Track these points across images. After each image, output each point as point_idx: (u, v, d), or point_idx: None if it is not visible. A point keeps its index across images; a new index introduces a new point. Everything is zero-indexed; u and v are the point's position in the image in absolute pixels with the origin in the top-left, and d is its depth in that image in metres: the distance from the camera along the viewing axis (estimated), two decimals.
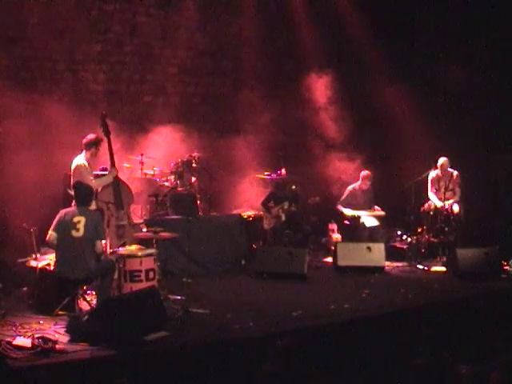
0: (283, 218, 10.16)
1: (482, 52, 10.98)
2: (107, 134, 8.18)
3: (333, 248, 9.91)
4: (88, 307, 6.98)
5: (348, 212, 10.46)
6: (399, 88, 11.41)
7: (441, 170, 10.21)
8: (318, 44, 11.73)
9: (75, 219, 6.95)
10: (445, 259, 9.69)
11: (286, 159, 11.03)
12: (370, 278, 8.95)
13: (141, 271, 7.08)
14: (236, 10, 11.66)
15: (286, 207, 10.19)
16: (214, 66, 11.74)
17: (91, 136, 8.08)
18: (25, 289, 7.56)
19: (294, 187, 10.44)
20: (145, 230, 8.15)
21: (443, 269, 9.48)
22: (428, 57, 11.84)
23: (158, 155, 10.05)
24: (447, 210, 10.00)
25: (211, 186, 10.42)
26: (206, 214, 10.02)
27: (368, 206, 10.51)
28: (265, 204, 10.24)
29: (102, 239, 7.11)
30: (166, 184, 9.90)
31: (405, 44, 11.80)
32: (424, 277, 9.14)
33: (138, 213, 9.34)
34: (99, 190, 7.98)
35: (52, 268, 7.15)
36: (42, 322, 6.68)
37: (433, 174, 10.30)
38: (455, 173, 10.23)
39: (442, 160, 10.19)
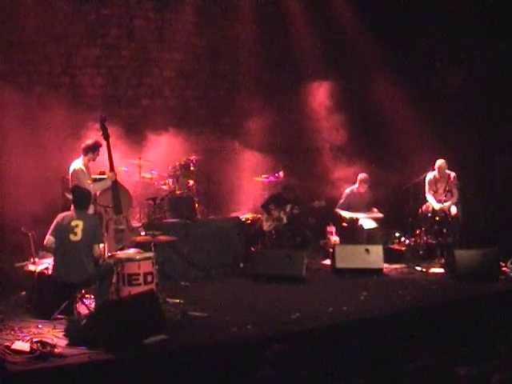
0: (285, 220, 10.17)
1: (480, 54, 10.99)
2: (106, 137, 8.20)
3: (331, 250, 9.89)
4: (86, 311, 6.97)
5: (346, 214, 10.45)
6: (397, 91, 11.44)
7: (438, 171, 10.20)
8: (316, 48, 11.75)
9: (73, 223, 6.95)
10: (443, 261, 9.68)
11: (284, 162, 11.04)
12: (368, 280, 8.93)
13: (139, 275, 7.09)
14: (233, 13, 11.69)
15: (288, 210, 10.20)
16: (211, 70, 11.76)
17: (90, 141, 8.13)
18: (23, 293, 7.54)
19: (296, 190, 10.46)
20: (143, 233, 8.15)
21: (441, 270, 9.48)
22: (426, 60, 11.86)
23: (155, 158, 10.05)
24: (445, 211, 10.00)
25: (209, 189, 10.44)
26: (203, 217, 10.03)
27: (366, 209, 10.51)
28: (265, 206, 10.24)
29: (99, 243, 7.12)
30: (164, 187, 9.90)
31: (403, 47, 11.82)
32: (422, 279, 9.14)
33: (135, 216, 9.38)
34: (98, 193, 7.99)
35: (50, 272, 7.15)
36: (40, 326, 6.68)
37: (430, 175, 10.29)
38: (452, 174, 10.21)
39: (439, 162, 10.19)
